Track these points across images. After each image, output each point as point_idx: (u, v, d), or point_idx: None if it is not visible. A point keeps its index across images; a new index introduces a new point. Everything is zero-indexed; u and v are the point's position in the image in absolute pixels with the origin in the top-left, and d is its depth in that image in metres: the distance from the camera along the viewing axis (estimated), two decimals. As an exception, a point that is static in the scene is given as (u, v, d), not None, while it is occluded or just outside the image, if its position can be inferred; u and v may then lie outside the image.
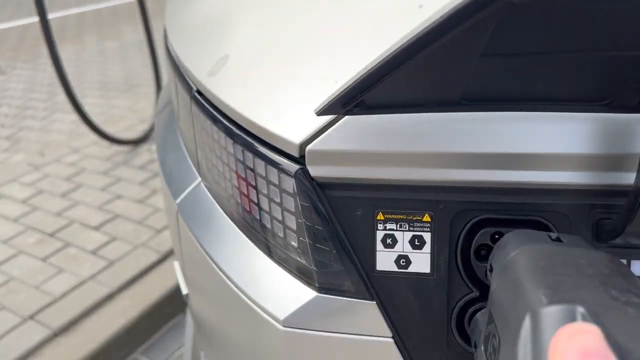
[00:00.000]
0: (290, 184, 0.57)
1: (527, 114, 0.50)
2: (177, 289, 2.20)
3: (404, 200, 0.54)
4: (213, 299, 0.76)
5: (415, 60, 0.38)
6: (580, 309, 0.32)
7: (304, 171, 0.56)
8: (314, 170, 0.55)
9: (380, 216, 0.55)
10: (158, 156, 1.08)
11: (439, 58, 0.38)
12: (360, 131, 0.53)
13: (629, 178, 0.49)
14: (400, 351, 0.56)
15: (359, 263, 0.56)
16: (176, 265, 0.98)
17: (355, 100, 0.46)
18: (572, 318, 0.31)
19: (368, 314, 0.56)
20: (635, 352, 0.29)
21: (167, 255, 2.29)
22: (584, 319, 0.31)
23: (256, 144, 0.61)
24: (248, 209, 0.66)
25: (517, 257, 0.43)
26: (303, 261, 0.59)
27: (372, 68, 0.41)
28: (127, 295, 2.12)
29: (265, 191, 0.62)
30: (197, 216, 0.77)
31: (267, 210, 0.62)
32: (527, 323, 0.34)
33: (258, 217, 0.64)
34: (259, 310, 0.61)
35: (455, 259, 0.55)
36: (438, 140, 0.51)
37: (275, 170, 0.59)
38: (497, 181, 0.52)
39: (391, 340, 0.56)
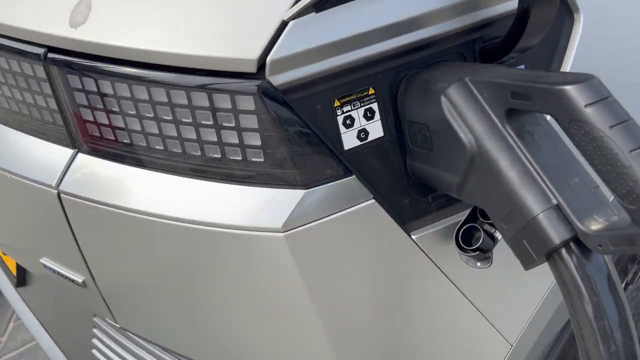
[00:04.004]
0: (250, 102, 0.59)
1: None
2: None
3: (350, 82, 0.63)
4: (171, 254, 0.74)
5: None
6: (466, 79, 0.59)
7: (264, 85, 0.59)
8: (275, 80, 0.59)
9: (336, 103, 0.63)
10: None
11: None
12: (305, 32, 0.58)
13: (493, 12, 0.67)
14: (382, 205, 0.67)
15: (331, 148, 0.63)
16: (45, 261, 0.87)
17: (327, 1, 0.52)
18: (462, 85, 0.59)
19: (350, 188, 0.65)
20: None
21: None
22: (460, 84, 0.59)
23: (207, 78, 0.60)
24: (195, 148, 0.65)
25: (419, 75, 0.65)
26: (278, 169, 0.63)
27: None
28: None
29: (209, 122, 0.62)
30: (101, 187, 0.70)
31: (222, 141, 0.63)
32: (443, 99, 0.59)
33: (217, 153, 0.64)
34: (250, 233, 0.64)
35: (397, 117, 0.66)
36: (369, 21, 0.61)
37: (227, 96, 0.60)
38: (412, 41, 0.64)
39: (373, 200, 0.66)
